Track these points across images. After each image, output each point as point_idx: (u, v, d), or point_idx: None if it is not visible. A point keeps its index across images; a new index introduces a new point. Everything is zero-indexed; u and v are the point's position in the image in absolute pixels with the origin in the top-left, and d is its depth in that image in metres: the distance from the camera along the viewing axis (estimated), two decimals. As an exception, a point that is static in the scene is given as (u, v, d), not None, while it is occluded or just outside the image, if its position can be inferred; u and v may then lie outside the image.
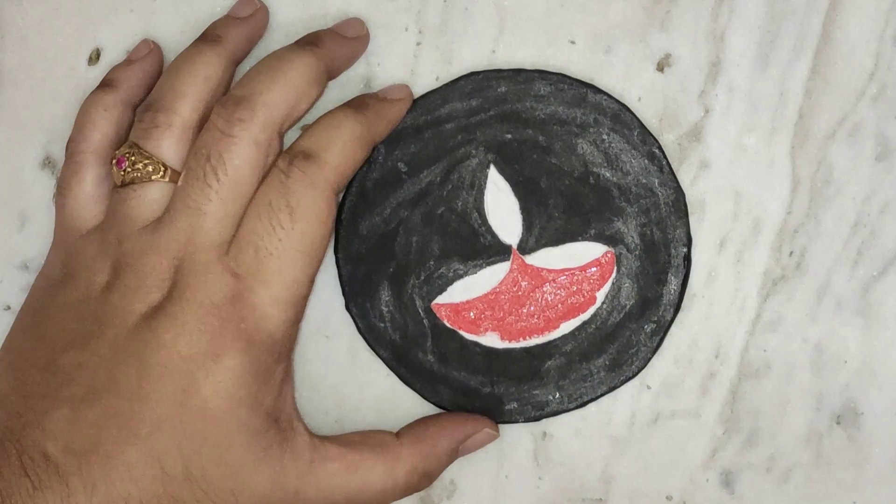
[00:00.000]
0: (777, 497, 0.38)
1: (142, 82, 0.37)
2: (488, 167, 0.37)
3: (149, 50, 0.37)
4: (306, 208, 0.33)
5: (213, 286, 0.32)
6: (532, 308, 0.37)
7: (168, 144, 0.34)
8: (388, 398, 0.38)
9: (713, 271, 0.38)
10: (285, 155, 0.34)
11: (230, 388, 0.32)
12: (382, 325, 0.38)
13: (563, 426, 0.38)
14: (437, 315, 0.37)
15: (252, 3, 0.37)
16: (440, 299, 0.37)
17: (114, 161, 0.34)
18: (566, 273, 0.37)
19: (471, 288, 0.38)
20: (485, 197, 0.37)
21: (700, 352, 0.38)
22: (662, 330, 0.37)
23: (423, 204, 0.37)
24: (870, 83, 0.37)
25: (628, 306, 0.37)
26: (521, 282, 0.37)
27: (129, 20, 0.39)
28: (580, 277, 0.37)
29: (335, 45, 0.36)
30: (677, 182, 0.37)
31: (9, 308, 0.39)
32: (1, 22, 0.39)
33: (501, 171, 0.37)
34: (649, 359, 0.37)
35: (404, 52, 0.38)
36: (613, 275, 0.37)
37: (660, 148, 0.37)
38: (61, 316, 0.33)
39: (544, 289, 0.37)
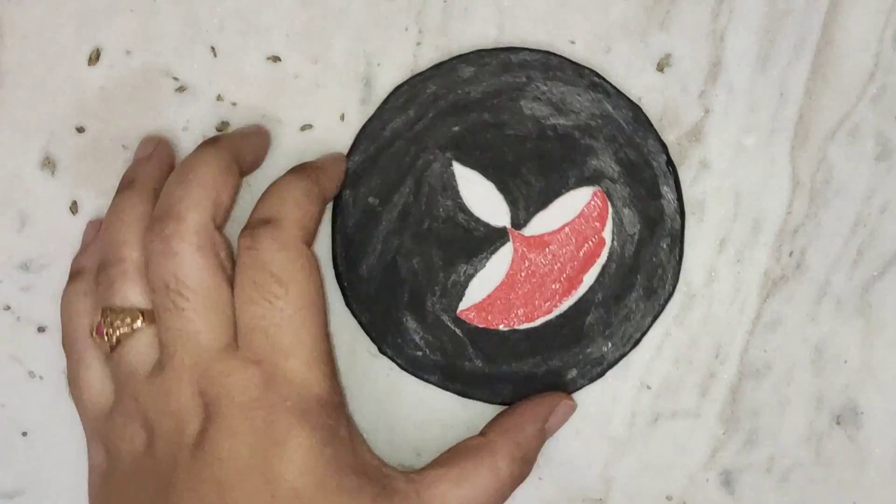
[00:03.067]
0: (777, 497, 0.38)
1: (98, 259, 0.36)
2: (451, 165, 0.37)
3: (96, 229, 0.38)
4: (290, 270, 0.32)
5: (241, 385, 0.32)
6: (550, 273, 0.37)
7: (131, 289, 0.34)
8: (389, 398, 0.38)
9: (713, 271, 0.38)
10: (245, 232, 0.33)
11: (309, 462, 0.31)
12: (420, 352, 0.38)
13: (563, 426, 0.38)
14: (467, 321, 0.37)
15: (151, 142, 0.38)
16: (463, 305, 0.38)
17: (94, 333, 0.34)
18: (566, 228, 0.37)
19: (486, 282, 0.38)
20: (460, 193, 0.37)
21: (700, 352, 0.38)
22: (678, 240, 0.37)
23: (408, 226, 0.37)
24: (870, 83, 0.37)
25: (636, 233, 0.37)
26: (529, 255, 0.37)
27: (129, 20, 0.39)
28: (581, 225, 0.37)
29: (236, 137, 0.36)
30: (628, 98, 0.37)
31: (8, 308, 0.39)
32: (1, 22, 0.39)
33: (465, 163, 0.37)
34: (678, 273, 0.37)
35: (404, 52, 0.38)
36: (610, 210, 0.37)
37: (598, 75, 0.37)
38: (122, 493, 0.33)
39: (552, 250, 0.37)
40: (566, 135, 0.37)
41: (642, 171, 0.37)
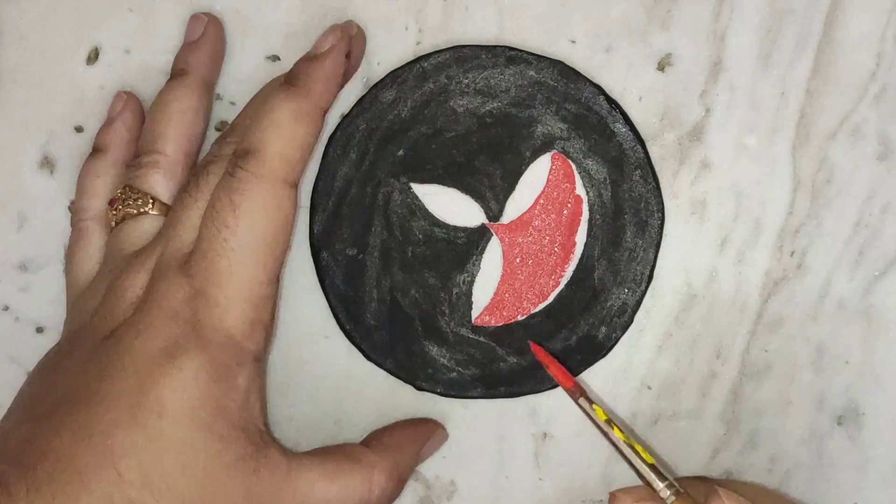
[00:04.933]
0: (778, 498, 0.38)
1: (126, 139, 0.37)
2: (410, 188, 0.37)
3: (123, 102, 0.38)
4: (250, 203, 0.32)
5: (171, 291, 0.32)
6: (543, 247, 0.37)
7: (157, 180, 0.35)
8: (387, 398, 0.38)
9: (714, 271, 0.38)
10: (232, 157, 0.33)
11: (187, 388, 0.31)
12: (454, 373, 0.37)
13: (563, 427, 0.38)
14: (485, 325, 0.37)
15: (201, 21, 0.37)
16: (475, 312, 0.38)
17: (108, 205, 0.35)
18: (540, 200, 0.37)
19: (488, 282, 0.38)
20: (429, 210, 0.38)
21: (701, 352, 0.38)
22: (647, 166, 0.37)
23: (393, 262, 0.37)
24: (871, 83, 0.37)
25: (606, 176, 0.37)
26: (516, 240, 0.37)
27: (127, 19, 0.39)
28: (553, 192, 0.37)
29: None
30: (548, 58, 0.37)
31: (7, 308, 0.39)
32: (0, 21, 0.39)
33: (422, 181, 0.37)
34: (660, 196, 0.37)
35: (404, 51, 0.38)
36: (573, 166, 0.37)
37: (511, 49, 0.37)
38: (51, 361, 0.33)
39: (535, 226, 0.37)
40: (504, 115, 0.37)
41: (588, 119, 0.37)
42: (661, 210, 0.37)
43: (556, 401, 0.38)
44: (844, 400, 0.38)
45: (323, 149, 0.38)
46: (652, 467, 0.32)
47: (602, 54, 0.38)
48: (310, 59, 0.35)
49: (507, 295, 0.37)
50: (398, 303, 0.37)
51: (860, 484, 0.38)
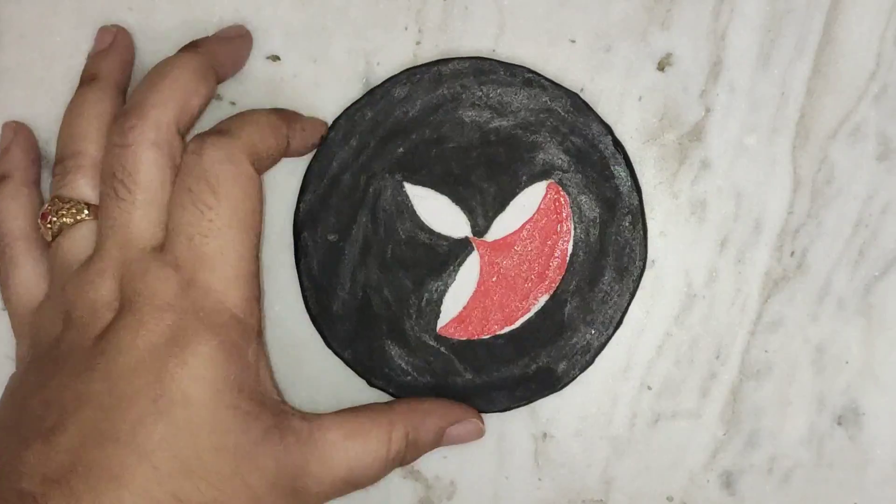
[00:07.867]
0: (778, 498, 0.38)
1: (27, 163, 0.37)
2: (402, 187, 0.37)
3: (13, 130, 0.38)
4: (228, 183, 0.32)
5: (158, 285, 0.32)
6: (521, 273, 0.37)
7: (84, 183, 0.34)
8: (386, 398, 0.38)
9: (714, 271, 0.38)
10: (195, 138, 0.33)
11: (206, 373, 0.31)
12: (409, 377, 0.37)
13: (563, 427, 0.38)
14: (449, 336, 0.37)
15: (109, 31, 0.38)
16: (441, 322, 0.37)
17: (39, 220, 0.35)
18: (527, 225, 0.37)
19: (460, 295, 0.37)
20: (417, 213, 0.37)
21: (701, 352, 0.38)
22: (639, 215, 0.37)
23: (371, 256, 0.37)
24: (871, 83, 0.37)
25: (597, 216, 0.37)
26: (496, 259, 0.37)
27: (127, 19, 0.39)
28: (541, 221, 0.37)
29: (215, 44, 0.36)
30: (565, 88, 0.37)
31: (6, 308, 0.39)
32: (0, 21, 0.39)
33: (416, 182, 0.37)
34: (645, 247, 0.37)
35: (404, 51, 0.38)
36: (567, 199, 0.37)
37: (530, 71, 0.37)
38: (29, 381, 0.33)
39: (517, 250, 0.37)
40: (509, 135, 0.37)
41: (591, 156, 0.37)
42: (644, 260, 0.37)
43: (556, 401, 0.38)
44: (844, 400, 0.38)
45: (327, 132, 0.37)
46: None
47: (602, 54, 0.38)
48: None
49: (475, 311, 0.37)
50: (368, 299, 0.37)
51: (860, 484, 0.38)
